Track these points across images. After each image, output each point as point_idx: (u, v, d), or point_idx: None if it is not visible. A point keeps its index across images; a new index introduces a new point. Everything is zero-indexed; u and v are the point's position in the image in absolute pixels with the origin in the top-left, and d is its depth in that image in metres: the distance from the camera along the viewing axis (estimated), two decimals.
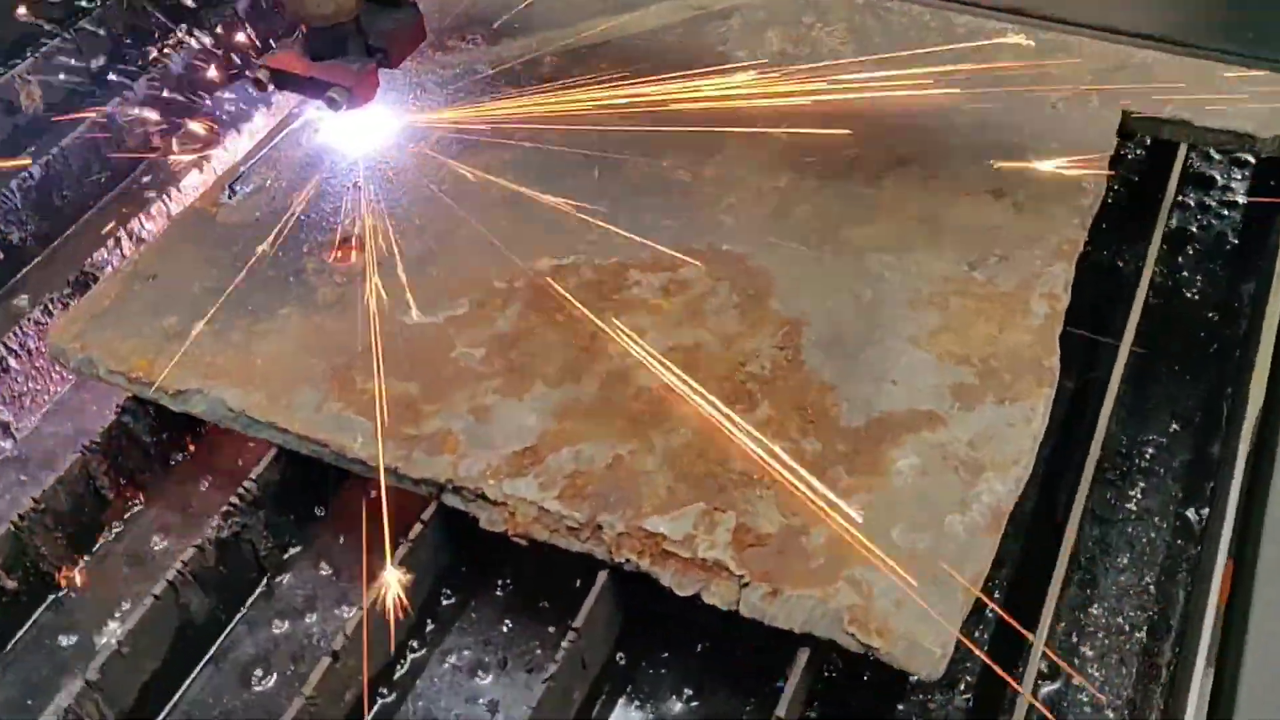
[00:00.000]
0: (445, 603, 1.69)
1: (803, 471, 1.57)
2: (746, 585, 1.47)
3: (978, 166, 1.99)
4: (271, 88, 1.87)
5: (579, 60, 2.24)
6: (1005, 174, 1.98)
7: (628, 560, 1.51)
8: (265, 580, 1.72)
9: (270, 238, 1.92)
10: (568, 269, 1.86)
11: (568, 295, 1.80)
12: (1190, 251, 2.17)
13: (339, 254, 1.91)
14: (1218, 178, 2.32)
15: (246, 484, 1.66)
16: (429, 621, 1.67)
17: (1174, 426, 1.88)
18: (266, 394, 1.70)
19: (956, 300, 1.78)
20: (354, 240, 1.93)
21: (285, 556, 1.74)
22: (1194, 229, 2.21)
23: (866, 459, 1.59)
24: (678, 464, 1.59)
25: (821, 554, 1.49)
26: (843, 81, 2.15)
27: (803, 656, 1.45)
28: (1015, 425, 1.62)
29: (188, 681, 1.61)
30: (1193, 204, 2.25)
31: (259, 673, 1.62)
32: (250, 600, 1.70)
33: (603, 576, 1.53)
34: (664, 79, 2.12)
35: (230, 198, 2.02)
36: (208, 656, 1.63)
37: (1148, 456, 1.84)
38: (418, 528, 1.60)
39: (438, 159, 2.05)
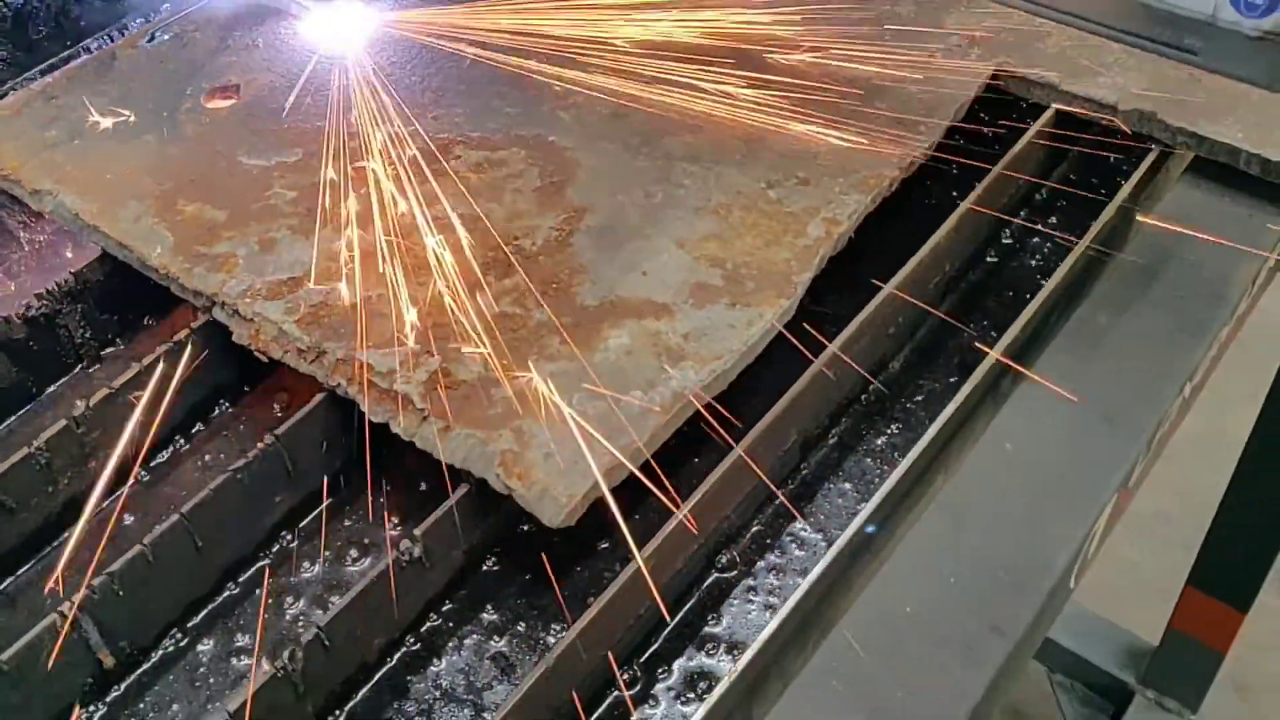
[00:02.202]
0: (216, 415, 1.86)
1: (522, 334, 1.67)
2: (426, 419, 1.58)
3: (825, 98, 2.03)
4: None
5: None
6: (848, 108, 2.01)
7: (339, 385, 1.65)
8: (80, 367, 1.92)
9: (161, 79, 2.13)
10: (402, 138, 2.00)
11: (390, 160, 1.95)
12: (1052, 221, 2.14)
13: (214, 99, 2.10)
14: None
15: (66, 276, 1.87)
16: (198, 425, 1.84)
17: (954, 376, 1.88)
18: (101, 203, 1.90)
19: (739, 214, 1.84)
20: (231, 89, 2.11)
21: (103, 352, 1.94)
22: (1063, 202, 2.17)
23: (583, 333, 1.68)
24: (414, 313, 1.71)
25: (501, 405, 1.59)
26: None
27: (460, 490, 1.56)
28: (736, 327, 1.68)
29: None
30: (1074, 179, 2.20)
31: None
32: (61, 380, 1.91)
33: (318, 398, 1.68)
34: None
35: (149, 42, 2.23)
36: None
37: (916, 399, 1.85)
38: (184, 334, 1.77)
39: (340, 35, 2.22)
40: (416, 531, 1.51)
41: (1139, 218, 1.97)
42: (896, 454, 1.79)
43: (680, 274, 1.76)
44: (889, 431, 1.82)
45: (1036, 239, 2.11)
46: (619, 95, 2.06)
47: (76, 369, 1.92)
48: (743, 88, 2.06)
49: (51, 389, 1.89)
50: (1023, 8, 2.18)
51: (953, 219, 1.90)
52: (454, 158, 1.96)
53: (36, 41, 2.48)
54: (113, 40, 2.39)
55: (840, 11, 2.19)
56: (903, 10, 2.22)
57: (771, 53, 2.12)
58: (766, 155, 1.94)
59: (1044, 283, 1.97)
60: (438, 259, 1.79)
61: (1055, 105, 2.06)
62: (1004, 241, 2.10)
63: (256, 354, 1.72)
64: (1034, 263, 2.07)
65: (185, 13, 2.29)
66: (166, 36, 2.23)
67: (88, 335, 1.92)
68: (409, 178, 1.92)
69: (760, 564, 1.64)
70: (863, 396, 1.86)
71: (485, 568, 1.64)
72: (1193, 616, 3.55)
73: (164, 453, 1.81)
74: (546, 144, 1.98)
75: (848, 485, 1.76)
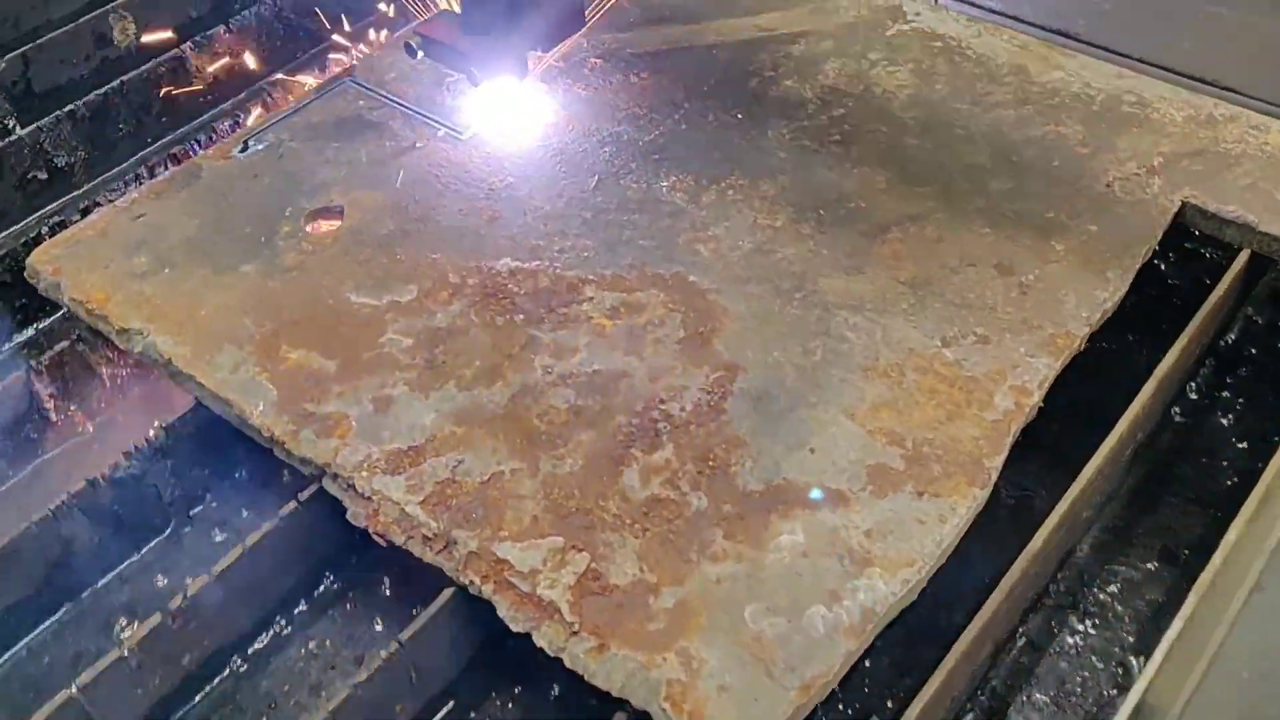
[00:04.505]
0: (323, 588, 1.66)
1: (678, 525, 1.47)
2: (576, 634, 1.37)
3: (995, 236, 1.82)
4: (421, 54, 1.92)
5: (620, 65, 2.18)
6: (1022, 250, 1.80)
7: (471, 582, 1.44)
8: (170, 529, 1.73)
9: (256, 197, 1.95)
10: (525, 273, 1.80)
11: (513, 300, 1.75)
12: (1243, 373, 1.92)
13: (316, 223, 1.91)
14: None
15: (156, 429, 1.68)
16: (302, 602, 1.65)
17: (1154, 563, 1.67)
18: (195, 346, 1.71)
19: (914, 377, 1.63)
20: (335, 210, 1.92)
21: (192, 512, 1.75)
22: (1253, 350, 1.95)
23: (750, 526, 1.47)
24: (554, 493, 1.51)
25: (663, 617, 1.38)
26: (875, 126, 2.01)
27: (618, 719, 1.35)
28: (925, 523, 1.46)
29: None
30: (1261, 322, 1.98)
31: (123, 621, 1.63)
32: (147, 547, 1.71)
33: (446, 594, 1.47)
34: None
35: (242, 152, 2.04)
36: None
37: (1111, 589, 1.64)
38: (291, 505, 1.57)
39: (444, 145, 2.03)
40: None
41: None
42: (1095, 657, 1.57)
43: (854, 452, 1.54)
44: (1082, 629, 1.60)
45: (1227, 393, 1.89)
46: (762, 227, 1.86)
47: (165, 532, 1.73)
48: (902, 220, 1.86)
49: (136, 557, 1.70)
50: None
51: (1150, 386, 1.68)
52: (586, 299, 1.76)
53: (117, 140, 2.31)
54: (198, 145, 2.21)
55: None
56: (1068, 131, 2.01)
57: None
58: (936, 304, 1.73)
59: (1241, 445, 1.77)
60: (577, 423, 1.59)
61: (1251, 249, 1.84)
62: (1190, 398, 1.88)
63: (375, 537, 1.52)
64: (1226, 421, 1.85)
65: (280, 119, 2.10)
66: (260, 146, 2.05)
67: (177, 494, 1.72)
68: (538, 322, 1.72)
69: None
70: (1050, 586, 1.64)
71: None
72: None
73: (263, 636, 1.61)
74: (686, 284, 1.78)
75: (1042, 696, 1.54)
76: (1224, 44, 2.14)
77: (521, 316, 1.73)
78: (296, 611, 1.64)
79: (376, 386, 1.65)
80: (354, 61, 2.22)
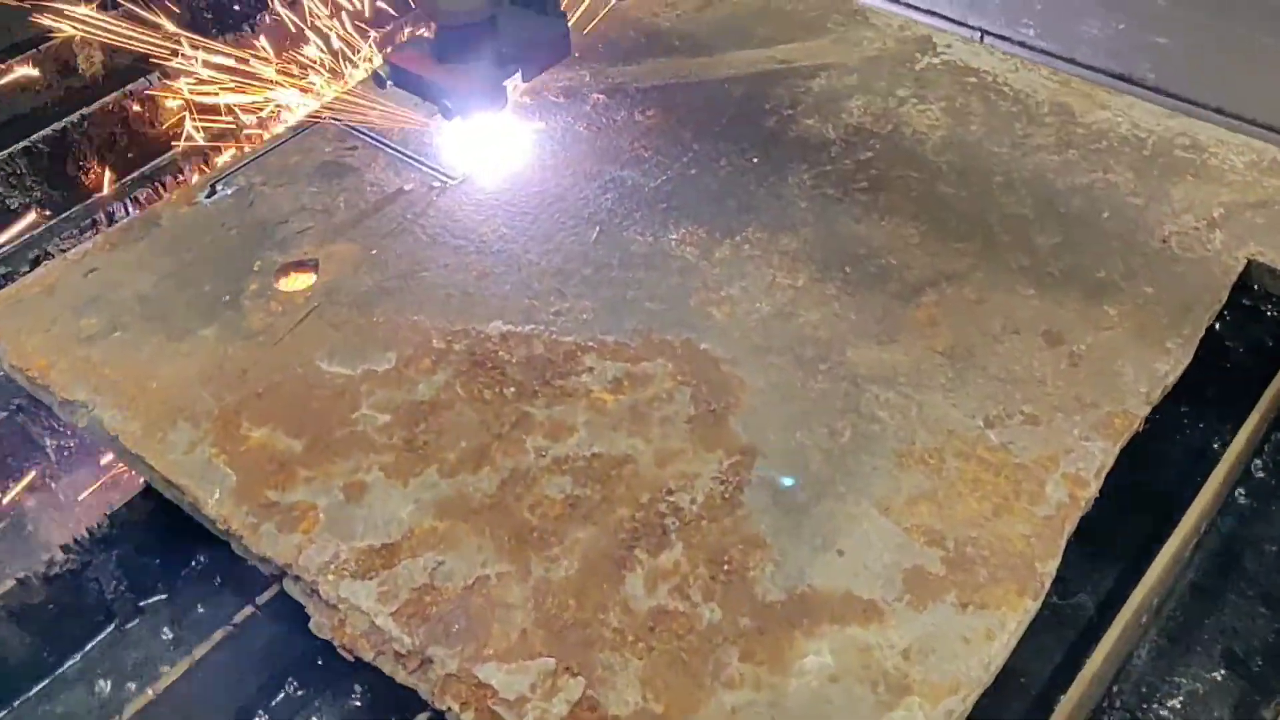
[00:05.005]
0: (284, 695, 1.47)
1: (689, 643, 1.28)
2: None
3: (1042, 299, 1.64)
4: (390, 84, 1.76)
5: (625, 101, 2.00)
6: (1072, 315, 1.61)
7: (450, 709, 1.25)
8: (112, 626, 1.54)
9: (222, 249, 1.76)
10: (518, 339, 1.61)
11: (504, 370, 1.56)
12: None
13: (288, 278, 1.72)
14: None
15: (99, 519, 1.49)
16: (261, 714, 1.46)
17: (1220, 672, 1.48)
18: (145, 422, 1.52)
19: (955, 463, 1.44)
20: (308, 265, 1.73)
21: (142, 603, 1.56)
22: None
23: (770, 644, 1.28)
24: (546, 603, 1.32)
25: None
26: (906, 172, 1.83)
27: None
28: (972, 641, 1.27)
29: None
30: None
31: None
32: (89, 647, 1.53)
33: (421, 719, 1.28)
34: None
35: (209, 197, 1.86)
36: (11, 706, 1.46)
37: (1173, 703, 1.45)
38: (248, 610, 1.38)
39: (429, 191, 1.85)
40: None
41: None
42: None
43: (888, 553, 1.35)
44: None
45: None
46: (783, 286, 1.68)
47: (108, 629, 1.54)
48: (939, 280, 1.67)
49: (75, 659, 1.51)
50: None
51: (1220, 471, 1.49)
52: (585, 370, 1.57)
53: (74, 178, 2.13)
54: (164, 186, 2.03)
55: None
56: (1118, 179, 1.82)
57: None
58: (978, 378, 1.54)
59: None
60: (573, 517, 1.40)
61: None
62: (1255, 477, 1.69)
63: (340, 651, 1.33)
64: None
65: (251, 160, 1.92)
66: (228, 191, 1.86)
67: (123, 588, 1.54)
68: (531, 396, 1.53)
69: None
70: (1105, 702, 1.45)
71: None
72: None
73: None
74: (698, 353, 1.59)
75: None
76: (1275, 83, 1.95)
77: (513, 389, 1.55)
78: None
79: (349, 471, 1.46)
80: (334, 97, 2.04)
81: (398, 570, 1.35)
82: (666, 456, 1.47)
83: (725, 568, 1.35)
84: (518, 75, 1.77)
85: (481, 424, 1.51)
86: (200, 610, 1.57)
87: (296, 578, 1.37)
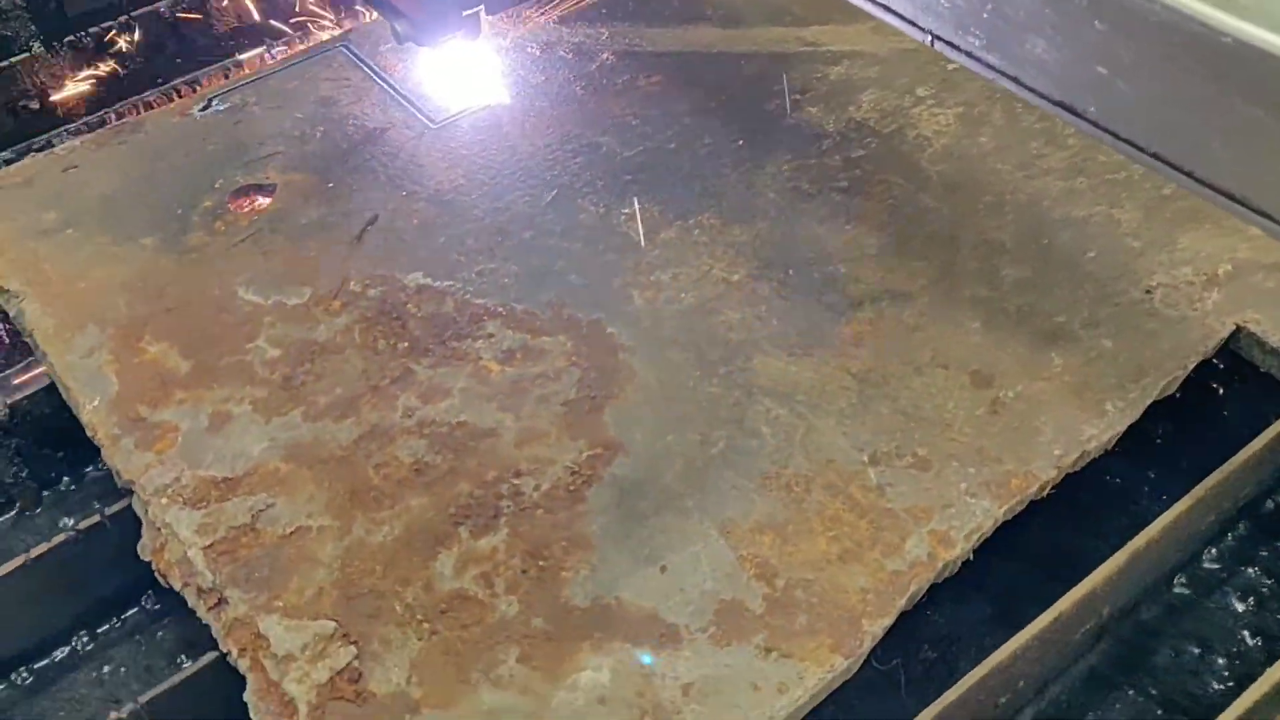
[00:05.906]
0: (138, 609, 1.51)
1: (472, 634, 1.24)
2: None
3: (985, 336, 1.50)
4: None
5: (633, 65, 1.93)
6: (1010, 359, 1.47)
7: (229, 652, 1.26)
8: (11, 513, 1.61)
9: (195, 161, 1.79)
10: (432, 293, 1.59)
11: (406, 324, 1.54)
12: None
13: (243, 200, 1.74)
14: None
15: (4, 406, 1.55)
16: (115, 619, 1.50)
17: None
18: (60, 320, 1.57)
19: (820, 496, 1.34)
20: (266, 189, 1.75)
21: (44, 493, 1.62)
22: None
23: (553, 650, 1.22)
24: (353, 565, 1.30)
25: None
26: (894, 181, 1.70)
27: None
28: (761, 690, 1.19)
29: None
30: None
31: None
32: None
33: (207, 658, 1.29)
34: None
35: (203, 110, 1.90)
36: None
37: None
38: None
39: (407, 133, 1.83)
40: None
41: None
42: None
43: (711, 580, 1.27)
44: None
45: (1254, 570, 1.52)
46: (715, 279, 1.59)
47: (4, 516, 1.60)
48: (881, 296, 1.55)
49: None
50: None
51: (1138, 542, 1.34)
52: (484, 335, 1.53)
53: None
54: (178, 94, 2.08)
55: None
56: (1123, 216, 1.64)
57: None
58: (883, 408, 1.43)
59: (1252, 641, 1.42)
60: (414, 483, 1.37)
61: None
62: (1205, 565, 1.52)
63: (157, 575, 1.35)
64: (1241, 606, 1.48)
65: (255, 79, 1.94)
66: (222, 107, 1.89)
67: (24, 475, 1.60)
68: (423, 353, 1.51)
69: None
70: None
71: None
72: None
73: (61, 650, 1.47)
74: (602, 336, 1.53)
75: None
76: None
77: (406, 344, 1.53)
78: (101, 630, 1.49)
79: (220, 399, 1.47)
80: (353, 26, 2.04)
81: (226, 505, 1.36)
82: (529, 437, 1.42)
83: (541, 563, 1.30)
84: (482, 8, 1.71)
85: (363, 374, 1.49)
86: (97, 506, 1.60)
87: (136, 495, 1.39)
